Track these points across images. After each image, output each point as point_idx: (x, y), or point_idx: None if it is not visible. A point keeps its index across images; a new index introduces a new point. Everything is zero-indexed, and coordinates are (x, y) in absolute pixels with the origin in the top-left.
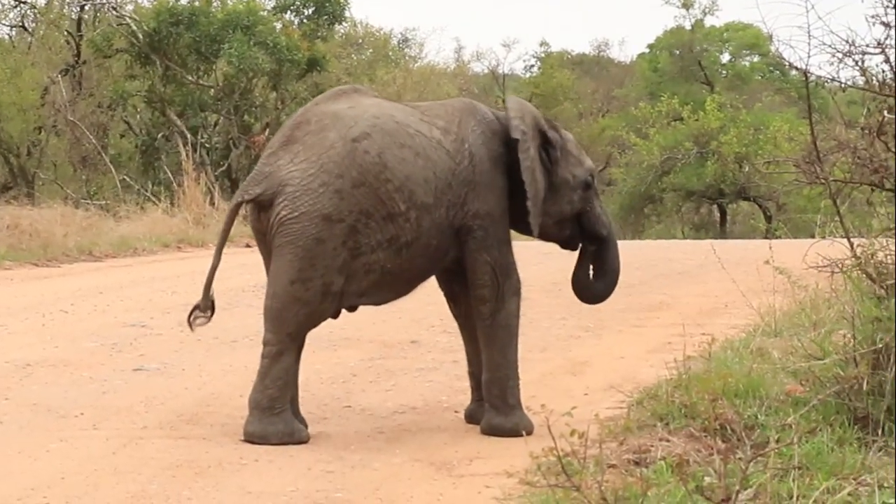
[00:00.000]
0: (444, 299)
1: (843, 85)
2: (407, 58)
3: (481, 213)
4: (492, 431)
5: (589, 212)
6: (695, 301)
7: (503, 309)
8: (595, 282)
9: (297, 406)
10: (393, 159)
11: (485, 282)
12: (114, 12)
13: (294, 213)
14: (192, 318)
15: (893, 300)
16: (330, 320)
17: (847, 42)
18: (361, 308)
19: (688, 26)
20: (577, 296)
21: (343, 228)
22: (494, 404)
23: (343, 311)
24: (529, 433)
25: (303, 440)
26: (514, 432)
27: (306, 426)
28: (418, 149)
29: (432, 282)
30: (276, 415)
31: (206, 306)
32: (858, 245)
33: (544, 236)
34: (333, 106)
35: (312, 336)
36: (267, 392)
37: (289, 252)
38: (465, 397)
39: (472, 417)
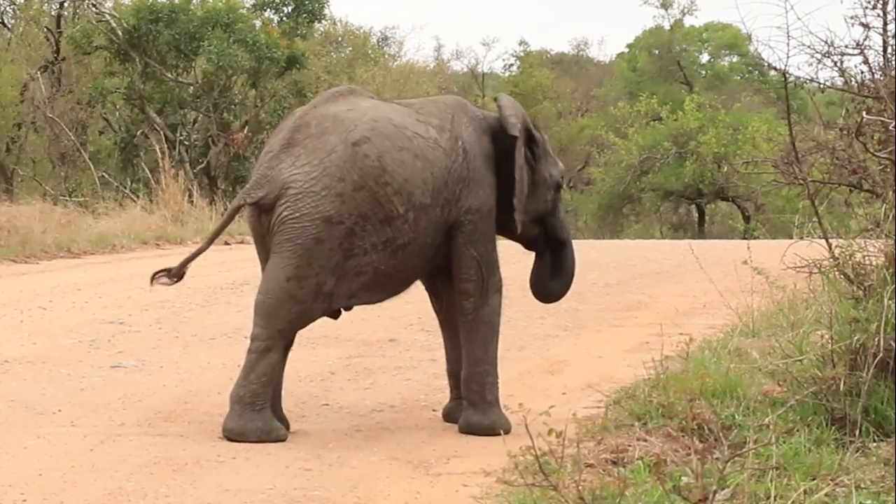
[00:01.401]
0: (422, 298)
1: (821, 86)
2: (386, 56)
3: (473, 208)
4: (469, 430)
5: (555, 214)
6: (673, 301)
7: (486, 305)
8: (552, 281)
9: (280, 404)
10: (392, 162)
11: (470, 276)
12: (93, 9)
13: (296, 213)
14: (156, 275)
15: (871, 301)
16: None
17: (826, 43)
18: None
19: (667, 26)
20: (536, 294)
21: (341, 230)
22: (473, 401)
23: (342, 311)
24: (507, 432)
25: (280, 439)
26: (491, 431)
27: (288, 425)
28: (416, 151)
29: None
30: (256, 411)
31: (177, 273)
32: (836, 246)
33: (514, 234)
34: (332, 108)
35: None
36: (250, 387)
37: (287, 250)
38: (443, 396)
39: (450, 416)
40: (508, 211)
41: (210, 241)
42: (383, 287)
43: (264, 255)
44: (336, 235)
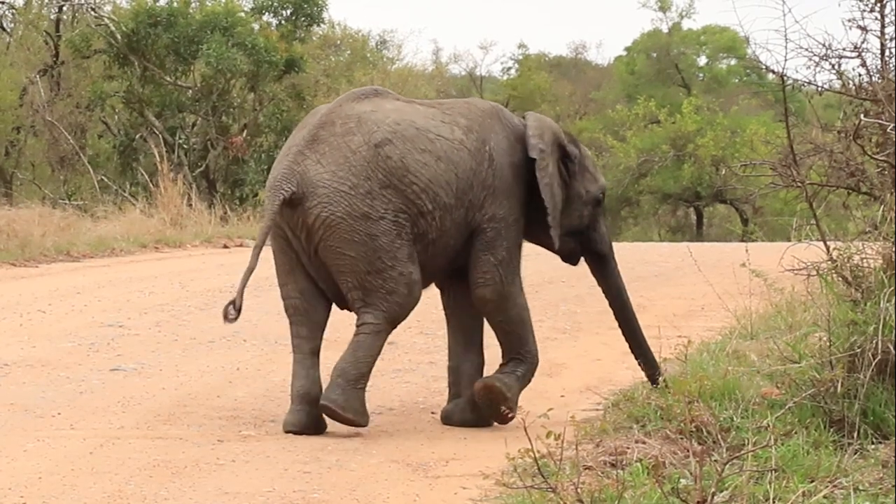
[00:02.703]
0: (420, 301)
1: (819, 88)
2: (385, 59)
3: (497, 217)
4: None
5: (594, 229)
6: (671, 303)
7: (514, 306)
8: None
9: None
10: (415, 164)
11: (486, 281)
12: (92, 13)
13: (334, 214)
14: (226, 312)
15: (869, 304)
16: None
17: (824, 46)
18: (337, 309)
19: (665, 29)
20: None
21: (388, 224)
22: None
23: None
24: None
25: (366, 424)
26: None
27: (325, 426)
28: (439, 153)
29: None
30: (358, 390)
31: (239, 307)
32: (834, 248)
33: (552, 248)
34: (357, 108)
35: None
36: (358, 365)
37: (349, 249)
38: (441, 398)
39: (448, 418)
40: (543, 225)
41: (257, 256)
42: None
43: (284, 250)
44: (386, 229)
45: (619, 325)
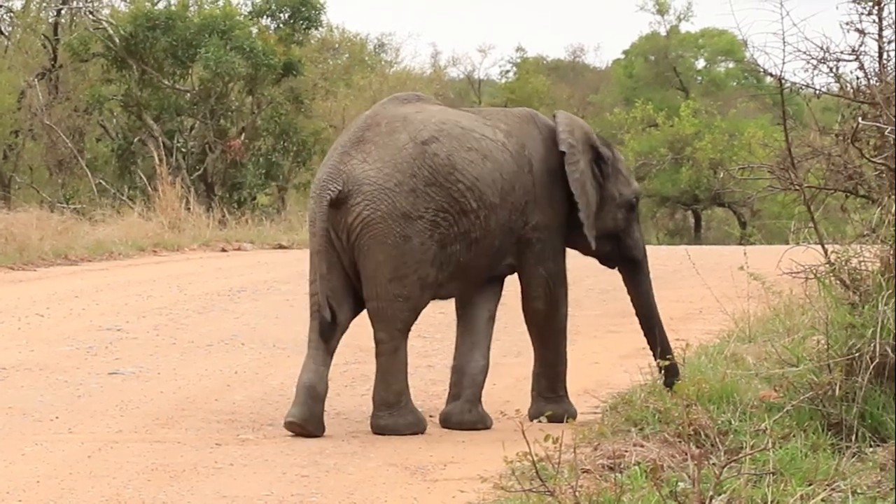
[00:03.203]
0: None
1: (817, 91)
2: (383, 63)
3: (541, 225)
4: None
5: (629, 234)
6: (669, 306)
7: (557, 316)
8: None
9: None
10: (461, 161)
11: (539, 294)
12: (90, 16)
13: (376, 212)
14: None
15: (867, 307)
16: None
17: (822, 49)
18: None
19: (663, 32)
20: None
21: (424, 224)
22: (544, 395)
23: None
24: (574, 419)
25: (424, 430)
26: (561, 418)
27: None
28: (485, 152)
29: None
30: (403, 407)
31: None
32: (832, 251)
33: (588, 251)
34: (402, 109)
35: (287, 340)
36: (392, 388)
37: (379, 252)
38: (439, 402)
39: (447, 421)
40: (579, 228)
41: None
42: (459, 281)
43: (325, 248)
44: (421, 229)
45: (645, 334)
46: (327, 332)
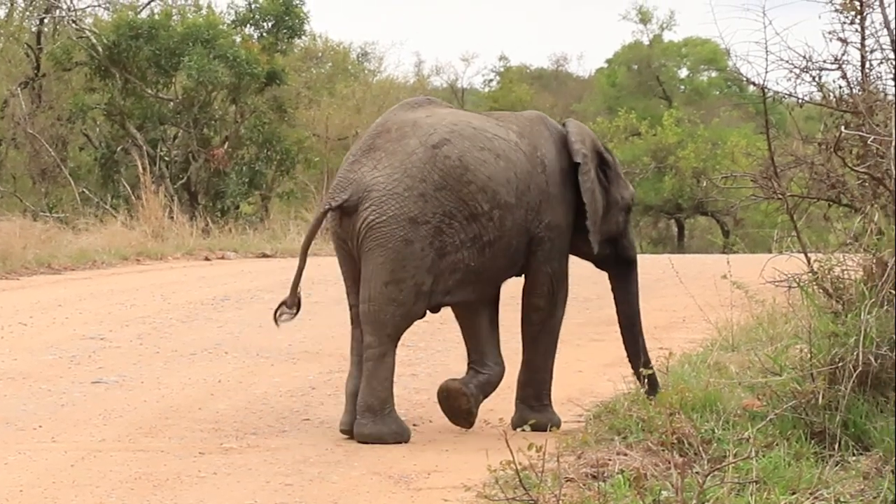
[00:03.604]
0: None
1: (800, 100)
2: (366, 72)
3: (552, 224)
4: (524, 425)
5: (625, 235)
6: (652, 315)
7: (552, 317)
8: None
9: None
10: (474, 162)
11: (542, 292)
12: (73, 25)
13: (382, 216)
14: (277, 315)
15: (850, 315)
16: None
17: (804, 58)
18: (320, 321)
19: (646, 41)
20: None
21: (429, 230)
22: (529, 403)
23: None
24: (559, 428)
25: (408, 439)
26: (544, 427)
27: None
28: (498, 151)
29: None
30: (387, 415)
31: (293, 303)
32: (815, 260)
33: (587, 255)
34: (412, 115)
35: (271, 349)
36: (376, 394)
37: (380, 255)
38: (423, 411)
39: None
40: (583, 232)
41: (304, 257)
42: (475, 285)
43: (345, 259)
44: (424, 235)
45: (625, 339)
46: None
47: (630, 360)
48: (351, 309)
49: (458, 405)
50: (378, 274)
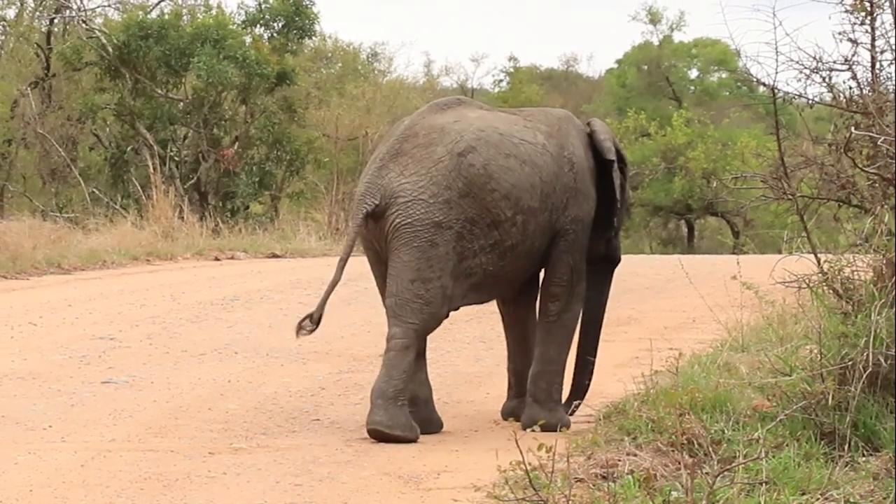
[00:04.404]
0: None
1: (810, 101)
2: (376, 72)
3: (578, 218)
4: (533, 424)
5: (617, 235)
6: (662, 316)
7: (570, 311)
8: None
9: (433, 405)
10: (498, 169)
11: (561, 281)
12: (83, 25)
13: (408, 219)
14: (300, 326)
15: (860, 316)
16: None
17: (814, 59)
18: (330, 321)
19: (656, 42)
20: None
21: (451, 235)
22: (539, 398)
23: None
24: (568, 428)
25: (416, 438)
26: (554, 427)
27: (441, 425)
28: (524, 157)
29: None
30: (399, 407)
31: (318, 318)
32: (825, 261)
33: (593, 253)
34: (440, 119)
35: (281, 349)
36: (393, 383)
37: (405, 254)
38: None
39: (512, 413)
40: (599, 230)
41: (342, 268)
42: (491, 288)
43: (376, 260)
44: (448, 239)
45: (583, 333)
46: None
47: (577, 365)
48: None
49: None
50: (404, 272)
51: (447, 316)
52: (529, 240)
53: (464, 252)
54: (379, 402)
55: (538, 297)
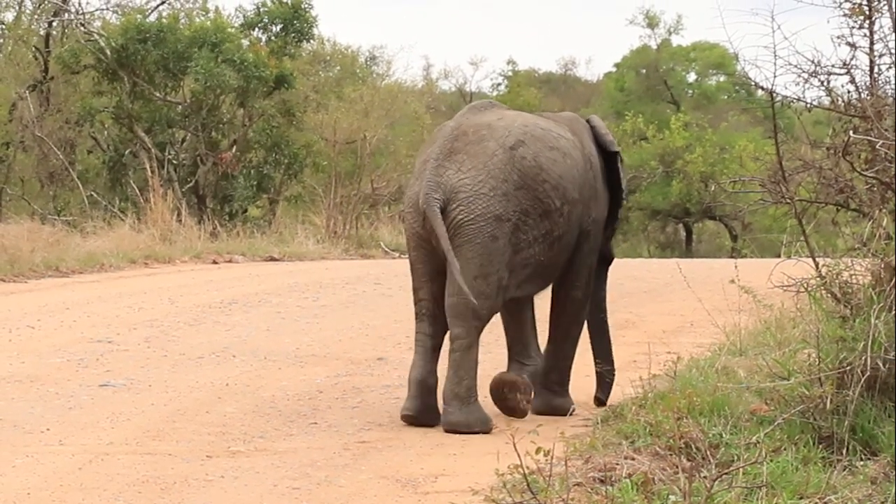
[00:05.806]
0: (410, 317)
1: (808, 105)
2: (375, 75)
3: (596, 219)
4: (550, 410)
5: (613, 233)
6: (660, 320)
7: (584, 309)
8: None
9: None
10: (546, 161)
11: (581, 284)
12: (82, 28)
13: (470, 215)
14: None
15: (858, 320)
16: (300, 337)
17: (813, 62)
18: (327, 325)
19: (654, 46)
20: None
21: (509, 227)
22: (552, 388)
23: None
24: (573, 414)
25: (491, 429)
26: (566, 411)
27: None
28: (565, 150)
29: (395, 298)
30: (472, 403)
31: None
32: (823, 265)
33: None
34: (484, 118)
35: (279, 352)
36: (463, 383)
37: (468, 251)
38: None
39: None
40: (605, 228)
41: (452, 255)
42: (540, 278)
43: (427, 257)
44: (506, 232)
45: (592, 331)
46: (432, 332)
47: (598, 358)
48: (419, 303)
49: (514, 397)
50: (467, 269)
51: (501, 307)
52: (570, 232)
53: (519, 243)
54: (454, 404)
55: (555, 297)
